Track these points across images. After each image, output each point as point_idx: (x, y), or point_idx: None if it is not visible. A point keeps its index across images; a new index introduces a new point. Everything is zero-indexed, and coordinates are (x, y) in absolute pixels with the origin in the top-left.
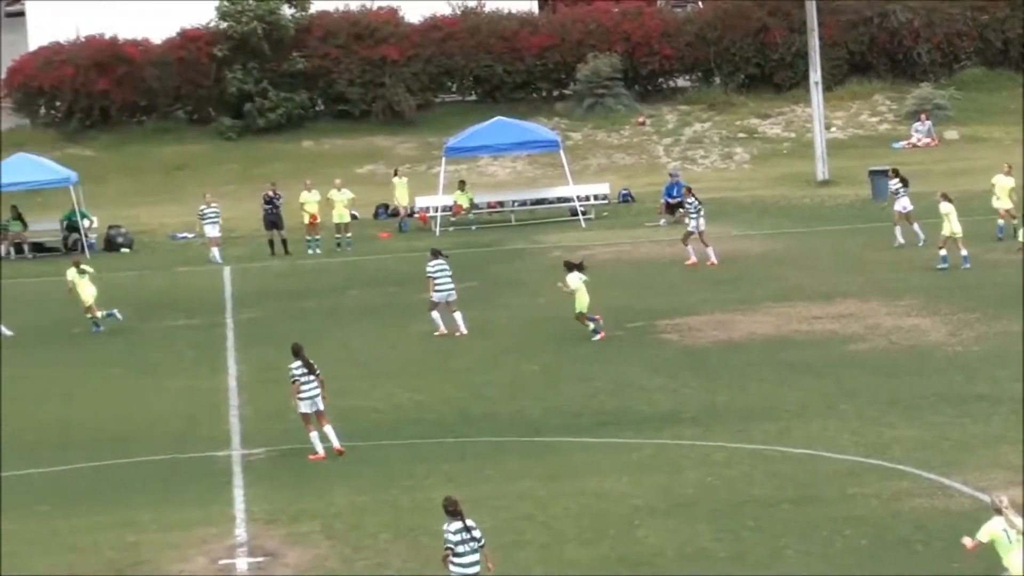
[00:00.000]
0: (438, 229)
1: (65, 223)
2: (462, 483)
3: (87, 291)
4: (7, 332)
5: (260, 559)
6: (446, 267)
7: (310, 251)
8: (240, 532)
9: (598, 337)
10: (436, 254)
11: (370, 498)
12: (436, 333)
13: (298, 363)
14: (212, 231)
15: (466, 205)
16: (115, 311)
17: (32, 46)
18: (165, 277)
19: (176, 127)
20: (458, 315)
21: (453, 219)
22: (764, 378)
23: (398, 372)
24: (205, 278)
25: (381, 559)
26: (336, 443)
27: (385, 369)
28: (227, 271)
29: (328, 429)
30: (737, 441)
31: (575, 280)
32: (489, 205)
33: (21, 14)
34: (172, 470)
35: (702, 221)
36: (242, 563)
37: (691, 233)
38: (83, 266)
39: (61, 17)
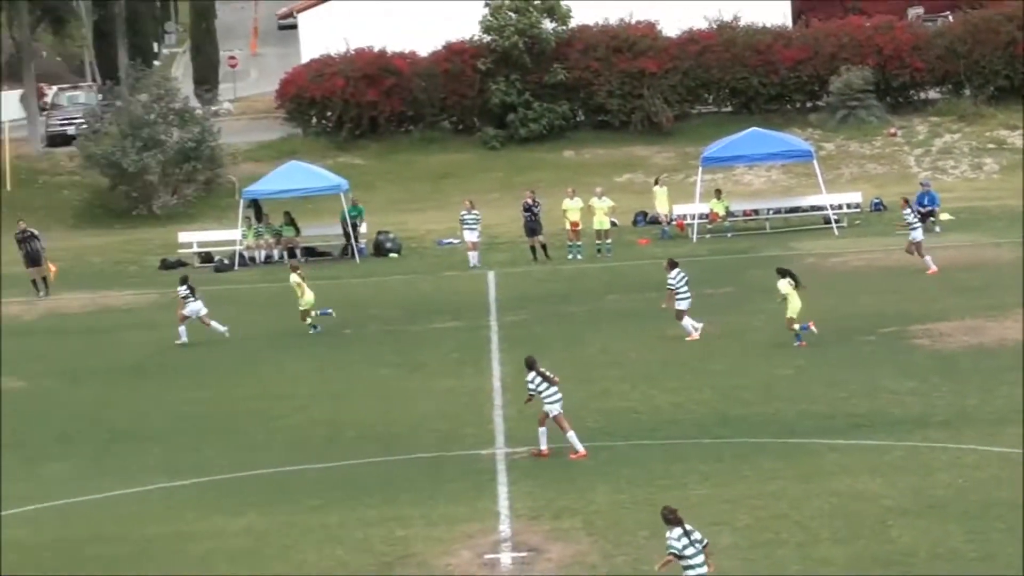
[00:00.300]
0: (695, 236)
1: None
2: (719, 482)
3: (307, 295)
4: (220, 328)
5: (524, 554)
6: (686, 276)
7: (570, 256)
8: (504, 528)
9: (798, 344)
10: (673, 264)
11: (629, 496)
12: (688, 338)
13: (533, 374)
14: (470, 236)
15: (722, 213)
16: (330, 309)
17: (304, 58)
18: (431, 281)
19: (442, 136)
20: (687, 321)
21: (709, 226)
22: (1014, 382)
23: (656, 374)
24: (470, 282)
25: (640, 555)
26: (544, 447)
27: (644, 371)
28: (491, 275)
29: (542, 431)
30: (987, 444)
31: (784, 286)
32: (744, 213)
33: (294, 27)
34: (438, 467)
35: (920, 232)
36: (506, 558)
37: (918, 243)
38: (301, 271)
39: (332, 30)
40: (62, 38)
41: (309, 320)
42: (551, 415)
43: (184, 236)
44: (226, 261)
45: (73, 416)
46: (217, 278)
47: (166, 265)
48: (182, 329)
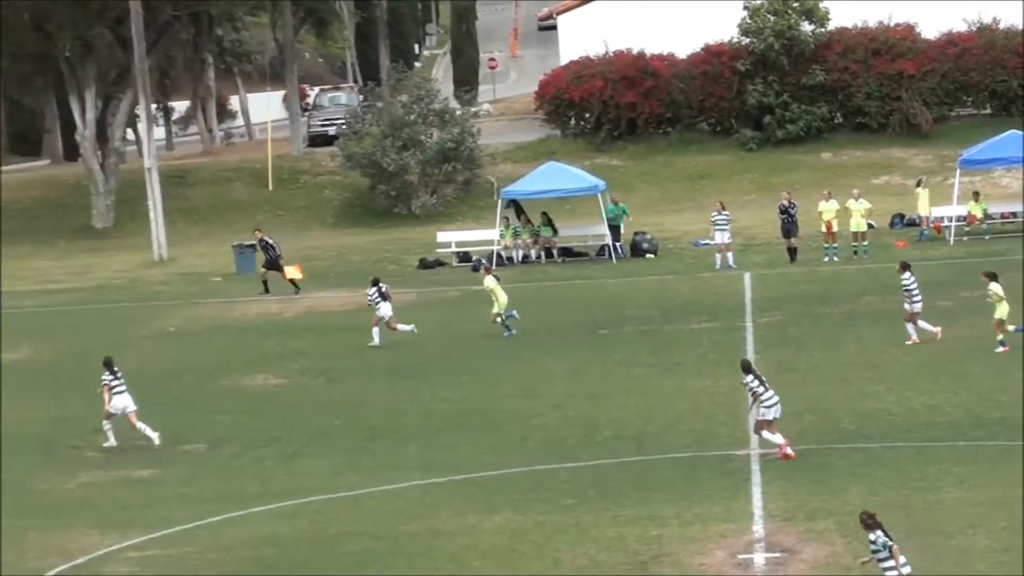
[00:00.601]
0: (952, 238)
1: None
2: (973, 486)
3: (502, 297)
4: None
5: (777, 554)
6: (915, 279)
7: (826, 258)
8: (758, 528)
9: (1001, 350)
10: (906, 266)
11: (883, 498)
12: (937, 337)
13: (750, 377)
14: (721, 237)
15: (980, 215)
16: (514, 312)
17: (563, 60)
18: (687, 282)
19: (699, 138)
20: (923, 324)
21: (967, 229)
22: None
23: (911, 376)
24: (726, 283)
25: None
26: (788, 449)
27: (899, 373)
28: (747, 277)
29: (776, 436)
30: None
31: (997, 288)
32: (1002, 215)
33: (553, 28)
34: (693, 467)
35: None
36: (759, 558)
37: None
38: (497, 274)
39: (591, 32)
40: (324, 40)
41: (499, 321)
42: (763, 418)
43: (443, 236)
44: (484, 261)
45: (331, 413)
46: (475, 278)
47: (424, 264)
48: (375, 331)
